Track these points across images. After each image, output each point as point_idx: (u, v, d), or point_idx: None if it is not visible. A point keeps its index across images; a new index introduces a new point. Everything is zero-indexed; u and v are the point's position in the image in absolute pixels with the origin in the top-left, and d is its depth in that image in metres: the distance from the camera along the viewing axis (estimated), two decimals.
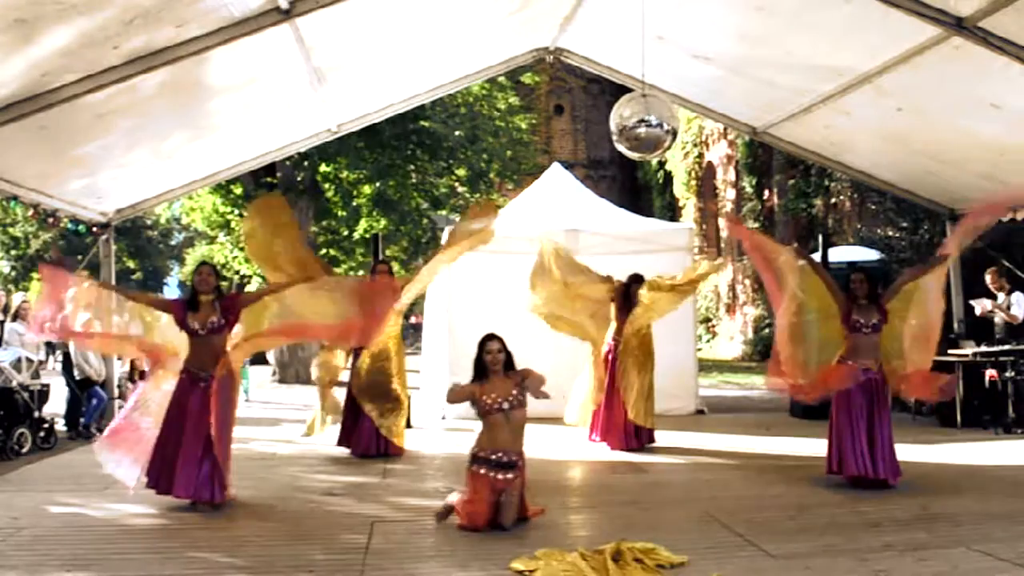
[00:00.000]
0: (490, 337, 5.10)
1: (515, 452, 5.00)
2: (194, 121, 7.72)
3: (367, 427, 7.46)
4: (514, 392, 4.98)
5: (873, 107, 7.79)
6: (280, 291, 5.95)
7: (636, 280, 7.88)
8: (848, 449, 5.91)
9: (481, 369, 5.05)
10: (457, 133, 16.88)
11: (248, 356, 6.37)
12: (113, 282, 9.26)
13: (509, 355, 5.06)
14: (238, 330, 5.82)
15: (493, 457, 4.95)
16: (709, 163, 24.69)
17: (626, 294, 7.84)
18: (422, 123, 15.88)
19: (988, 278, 9.41)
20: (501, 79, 17.91)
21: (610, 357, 7.85)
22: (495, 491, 4.92)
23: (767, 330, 20.83)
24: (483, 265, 9.76)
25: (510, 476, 4.94)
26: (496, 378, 5.01)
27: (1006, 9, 5.76)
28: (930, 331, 6.21)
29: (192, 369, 5.61)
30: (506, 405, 4.95)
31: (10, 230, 29.51)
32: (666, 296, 7.74)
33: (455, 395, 5.18)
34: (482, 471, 4.95)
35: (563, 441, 8.08)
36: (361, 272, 16.69)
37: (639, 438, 7.76)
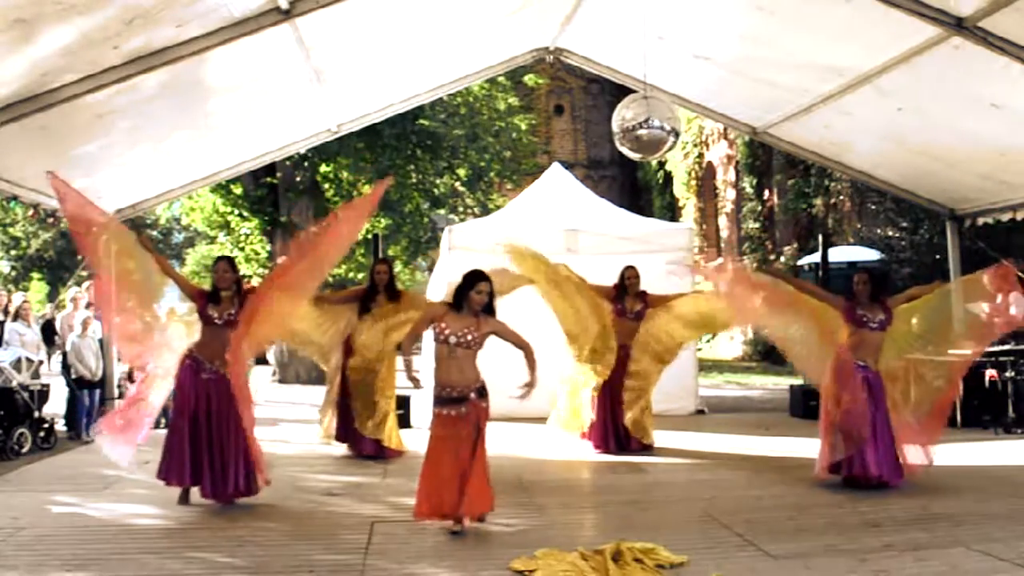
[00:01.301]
0: (483, 277, 4.93)
1: (461, 386, 4.86)
2: (194, 121, 7.72)
3: None
4: (470, 331, 4.84)
5: (873, 107, 7.78)
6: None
7: (629, 268, 7.75)
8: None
9: (459, 302, 4.92)
10: (456, 132, 16.85)
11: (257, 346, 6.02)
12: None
13: (492, 299, 4.95)
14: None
15: (443, 393, 4.90)
16: (709, 163, 24.67)
17: (621, 285, 7.69)
18: (421, 123, 15.85)
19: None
20: (501, 79, 17.89)
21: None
22: (450, 427, 4.86)
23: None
24: (482, 265, 9.72)
25: (461, 410, 4.85)
26: (467, 314, 4.89)
27: (1006, 9, 5.76)
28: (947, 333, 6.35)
29: (199, 357, 5.58)
30: (452, 339, 4.83)
31: (10, 230, 29.50)
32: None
33: (416, 326, 5.20)
34: (435, 410, 4.94)
35: (561, 441, 8.06)
36: (361, 275, 16.67)
37: (629, 440, 7.59)
